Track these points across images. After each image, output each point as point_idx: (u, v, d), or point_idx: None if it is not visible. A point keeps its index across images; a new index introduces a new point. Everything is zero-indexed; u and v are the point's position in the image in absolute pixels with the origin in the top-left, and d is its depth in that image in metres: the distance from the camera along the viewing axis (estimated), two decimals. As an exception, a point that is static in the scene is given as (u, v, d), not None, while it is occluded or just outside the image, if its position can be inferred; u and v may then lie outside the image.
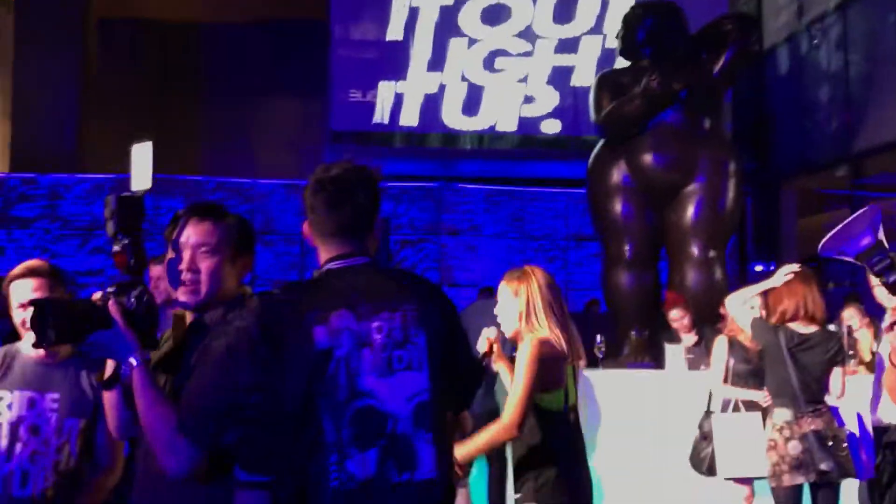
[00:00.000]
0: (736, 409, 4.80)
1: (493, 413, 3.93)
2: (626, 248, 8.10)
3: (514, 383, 2.92)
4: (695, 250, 7.91)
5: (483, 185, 11.96)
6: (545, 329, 2.96)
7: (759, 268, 12.14)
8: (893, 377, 3.49)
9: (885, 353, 4.61)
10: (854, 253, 2.18)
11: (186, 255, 2.12)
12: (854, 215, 2.30)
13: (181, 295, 2.12)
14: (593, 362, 5.92)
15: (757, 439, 4.52)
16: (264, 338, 1.85)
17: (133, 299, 2.06)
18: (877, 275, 2.19)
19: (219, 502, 1.92)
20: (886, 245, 2.20)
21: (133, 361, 1.97)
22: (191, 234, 2.14)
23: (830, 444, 4.17)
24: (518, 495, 2.97)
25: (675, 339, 6.06)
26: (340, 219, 1.97)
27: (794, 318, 4.27)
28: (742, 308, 4.53)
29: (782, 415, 4.23)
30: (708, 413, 4.90)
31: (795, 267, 4.40)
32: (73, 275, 11.10)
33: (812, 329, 4.31)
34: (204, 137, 12.27)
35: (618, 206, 8.17)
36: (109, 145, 12.89)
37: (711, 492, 5.28)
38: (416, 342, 1.93)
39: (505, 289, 3.10)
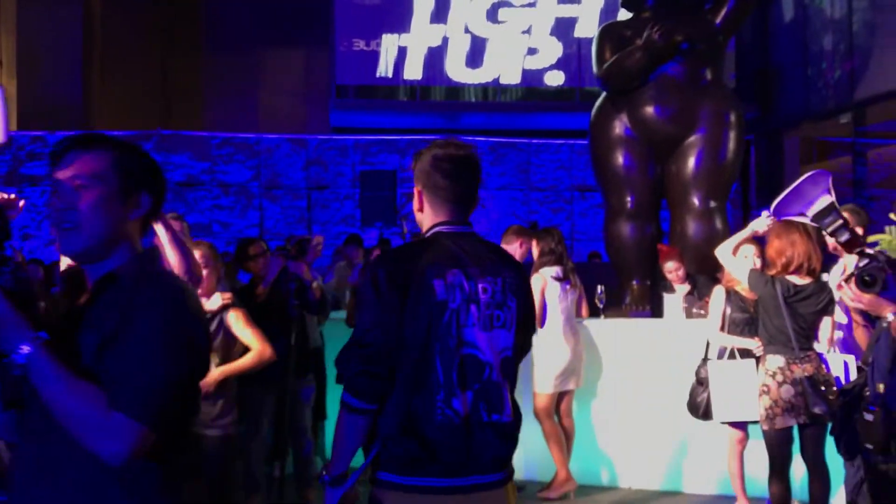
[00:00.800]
0: (731, 356, 4.97)
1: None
2: (628, 199, 8.21)
3: None
4: (696, 201, 8.01)
5: (488, 137, 12.03)
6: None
7: (765, 213, 12.21)
8: (859, 331, 3.78)
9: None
10: (809, 214, 2.32)
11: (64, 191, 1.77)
12: (804, 178, 2.43)
13: (61, 242, 1.78)
14: (595, 312, 6.10)
15: (750, 385, 4.71)
16: (390, 285, 2.15)
17: (9, 275, 1.84)
18: (831, 235, 2.35)
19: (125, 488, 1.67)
20: (837, 206, 2.33)
21: (26, 348, 1.62)
22: (68, 167, 1.76)
23: (823, 388, 4.36)
24: None
25: (669, 289, 6.23)
26: (456, 189, 2.28)
27: (794, 272, 4.43)
28: (734, 258, 4.68)
29: (775, 361, 4.41)
30: (705, 360, 5.08)
31: (770, 213, 4.55)
32: None
33: (807, 281, 4.47)
34: (209, 92, 12.34)
35: (620, 158, 8.27)
36: (116, 101, 12.99)
37: (707, 435, 5.49)
38: (510, 305, 2.25)
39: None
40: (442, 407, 2.13)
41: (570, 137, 11.65)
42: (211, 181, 11.59)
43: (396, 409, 2.14)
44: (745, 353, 4.92)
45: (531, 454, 5.93)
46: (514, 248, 5.84)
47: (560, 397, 5.70)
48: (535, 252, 5.85)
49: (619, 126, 8.28)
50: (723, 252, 4.71)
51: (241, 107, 11.81)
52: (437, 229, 2.27)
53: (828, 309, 4.64)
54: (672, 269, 6.21)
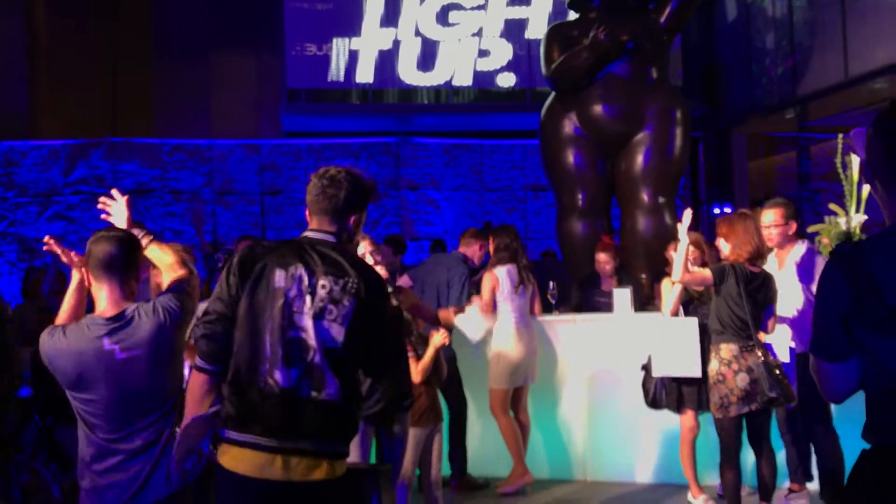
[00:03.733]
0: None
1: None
2: (580, 196, 8.33)
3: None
4: (645, 197, 8.16)
5: (441, 138, 12.08)
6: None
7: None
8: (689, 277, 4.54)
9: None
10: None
11: None
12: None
13: None
14: (547, 308, 6.18)
15: (692, 343, 4.83)
16: (239, 268, 2.57)
17: None
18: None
19: None
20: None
21: None
22: None
23: (777, 372, 4.48)
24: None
25: (595, 282, 6.39)
26: (321, 204, 2.66)
27: (749, 259, 4.54)
28: (691, 274, 4.75)
29: (729, 349, 4.51)
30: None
31: (687, 222, 4.71)
32: (32, 242, 11.10)
33: (758, 270, 4.60)
34: (159, 99, 12.21)
35: (570, 157, 8.38)
36: (64, 109, 12.79)
37: (660, 425, 5.60)
38: (345, 304, 2.55)
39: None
40: (265, 377, 2.47)
41: (523, 138, 11.76)
42: (162, 188, 11.47)
43: (232, 374, 2.50)
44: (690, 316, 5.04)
45: (490, 450, 6.00)
46: (473, 250, 5.92)
47: (515, 393, 5.76)
48: (491, 249, 5.92)
49: (569, 125, 8.39)
50: (681, 277, 4.74)
51: (192, 113, 11.71)
52: (304, 233, 2.68)
53: (774, 297, 4.78)
54: (602, 260, 6.35)
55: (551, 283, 6.19)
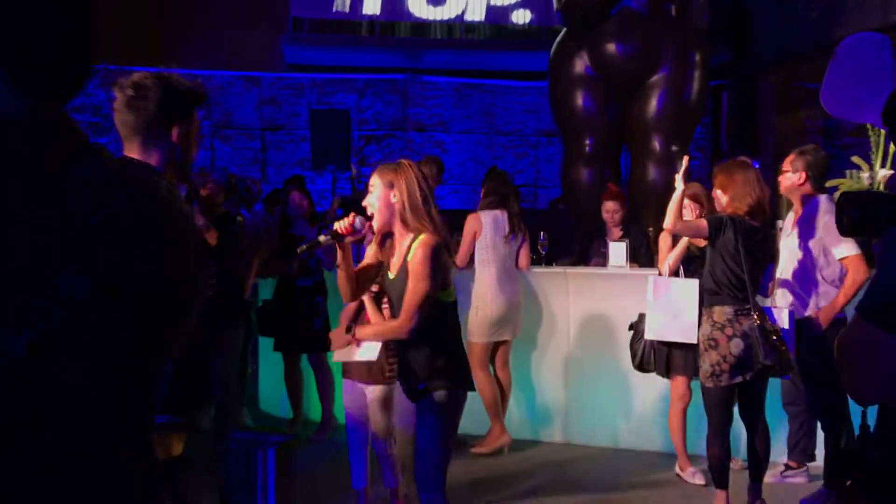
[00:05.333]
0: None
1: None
2: (587, 142, 7.84)
3: (412, 287, 2.93)
4: (656, 145, 7.65)
5: (451, 77, 11.52)
6: (427, 224, 2.98)
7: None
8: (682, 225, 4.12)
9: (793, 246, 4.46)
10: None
11: None
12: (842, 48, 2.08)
13: None
14: (538, 261, 5.73)
15: (690, 307, 4.38)
16: None
17: None
18: None
19: None
20: None
21: None
22: None
23: (775, 338, 4.03)
24: (426, 382, 3.02)
25: (600, 233, 5.89)
26: (129, 120, 2.14)
27: (749, 212, 4.06)
28: (684, 224, 4.35)
29: (723, 312, 4.06)
30: (643, 316, 4.74)
31: (683, 168, 4.28)
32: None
33: (758, 224, 4.11)
34: (158, 26, 11.71)
35: (578, 99, 7.87)
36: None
37: (649, 391, 5.19)
38: None
39: (377, 181, 3.05)
40: None
41: (538, 80, 11.14)
42: (159, 119, 11.07)
43: None
44: (691, 276, 4.61)
45: (468, 407, 5.62)
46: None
47: (495, 348, 5.36)
48: (482, 193, 5.48)
49: (579, 64, 7.85)
50: (672, 226, 4.31)
51: (190, 40, 11.22)
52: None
53: (776, 256, 4.31)
54: (610, 209, 5.85)
55: (542, 234, 5.74)
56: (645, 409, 5.29)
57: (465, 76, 11.54)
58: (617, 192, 6.22)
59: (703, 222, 4.14)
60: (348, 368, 4.16)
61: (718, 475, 4.14)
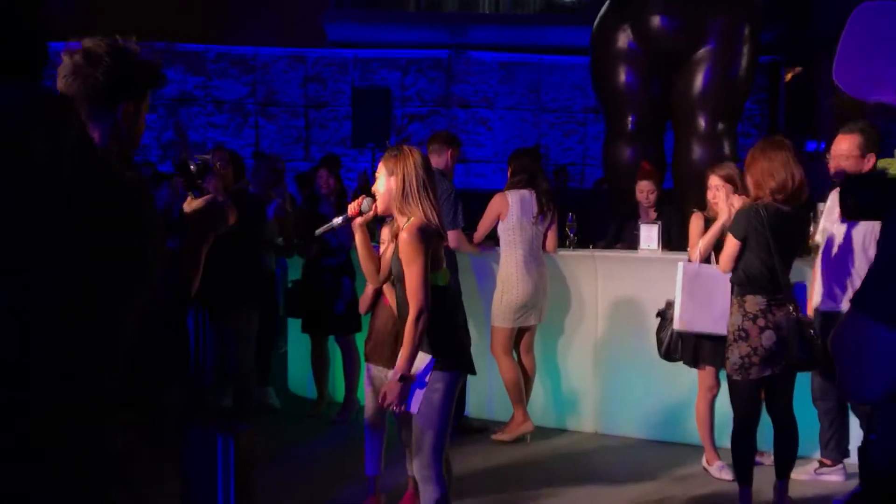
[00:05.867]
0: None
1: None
2: (629, 119, 7.56)
3: (407, 273, 2.99)
4: (701, 123, 7.33)
5: (497, 53, 11.30)
6: (418, 209, 3.02)
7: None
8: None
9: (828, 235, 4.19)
10: None
11: None
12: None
13: None
14: (565, 243, 5.54)
15: (721, 296, 4.14)
16: None
17: None
18: None
19: None
20: None
21: None
22: None
23: (810, 331, 3.81)
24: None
25: (634, 214, 5.63)
26: (73, 89, 1.87)
27: (779, 195, 3.81)
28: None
29: (756, 302, 3.83)
30: (671, 303, 4.53)
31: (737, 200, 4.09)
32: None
33: (789, 209, 3.86)
34: (204, 4, 11.75)
35: (621, 74, 7.58)
36: (108, 12, 12.48)
37: (678, 381, 4.98)
38: None
39: (382, 167, 3.12)
40: None
41: (587, 55, 10.87)
42: (205, 97, 11.11)
43: None
44: None
45: (491, 393, 5.50)
46: (444, 159, 5.29)
47: (520, 333, 5.20)
48: (509, 172, 5.30)
49: (623, 38, 7.56)
50: (693, 255, 4.22)
51: (235, 17, 11.22)
52: None
53: (806, 243, 4.06)
54: (644, 189, 5.59)
55: (570, 215, 5.53)
56: (676, 399, 5.08)
57: (512, 52, 11.32)
58: (651, 172, 5.97)
59: (729, 237, 3.93)
60: (371, 353, 4.08)
61: (742, 472, 3.93)
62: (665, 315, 4.59)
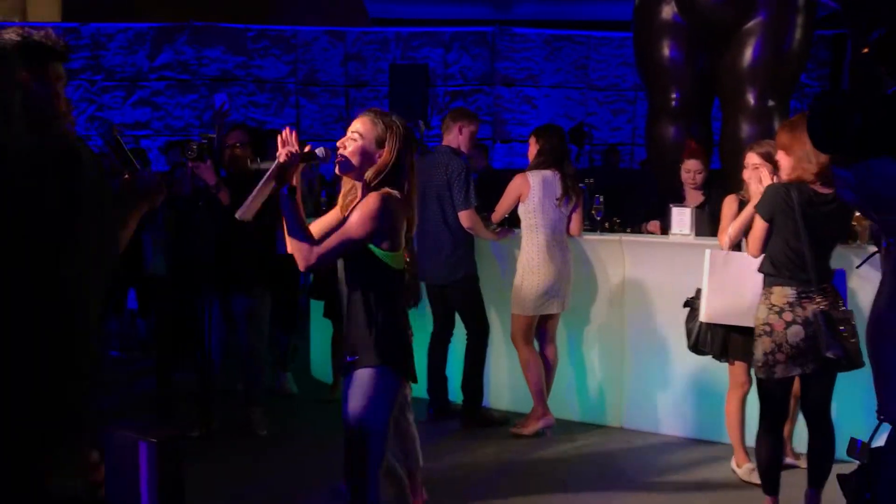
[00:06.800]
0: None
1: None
2: (673, 95, 7.18)
3: (345, 228, 2.63)
4: (750, 99, 6.90)
5: (542, 29, 10.92)
6: (396, 187, 2.70)
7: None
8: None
9: None
10: None
11: None
12: None
13: None
14: (593, 227, 5.24)
15: (752, 286, 3.80)
16: None
17: None
18: None
19: None
20: None
21: None
22: None
23: (842, 328, 3.45)
24: (355, 355, 2.68)
25: (680, 196, 5.24)
26: None
27: (819, 176, 3.46)
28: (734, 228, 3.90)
29: (783, 294, 3.50)
30: (700, 291, 4.20)
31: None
32: (119, 128, 10.99)
33: (830, 191, 3.50)
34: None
35: (665, 49, 7.19)
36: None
37: (709, 375, 4.65)
38: None
39: (369, 123, 2.74)
40: None
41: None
42: (246, 77, 11.02)
43: None
44: None
45: (512, 383, 5.25)
46: (454, 136, 5.02)
47: (542, 322, 4.93)
48: (532, 151, 5.01)
49: (667, 10, 7.16)
50: (725, 241, 3.89)
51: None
52: None
53: (849, 230, 3.68)
54: (691, 168, 5.15)
55: (598, 197, 5.22)
56: (707, 395, 4.75)
57: (558, 27, 10.93)
58: (698, 150, 5.57)
59: (757, 218, 3.58)
60: None
61: (767, 478, 3.61)
62: (693, 305, 4.27)
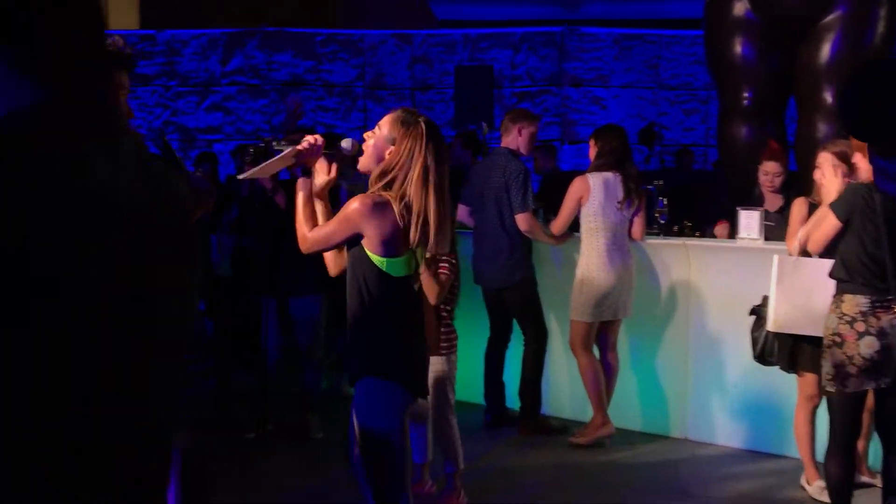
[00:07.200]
0: None
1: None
2: (745, 94, 6.92)
3: (329, 226, 2.63)
4: (827, 98, 6.59)
5: (612, 28, 10.71)
6: (397, 195, 2.56)
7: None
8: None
9: None
10: None
11: None
12: None
13: None
14: (656, 231, 5.07)
15: (824, 293, 3.58)
16: None
17: None
18: None
19: None
20: None
21: None
22: None
23: None
24: (358, 365, 2.58)
25: (758, 199, 5.01)
26: None
27: None
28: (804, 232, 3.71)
29: (856, 303, 3.30)
30: (766, 299, 4.01)
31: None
32: (192, 132, 11.24)
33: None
34: (313, -13, 11.75)
35: (736, 46, 6.94)
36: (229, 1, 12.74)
37: (775, 380, 4.44)
38: None
39: (390, 119, 2.65)
40: None
41: (709, 27, 10.11)
42: (315, 81, 11.13)
43: None
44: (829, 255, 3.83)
45: (573, 391, 5.12)
46: (513, 138, 4.91)
47: (603, 329, 4.80)
48: (592, 153, 4.89)
49: (739, 6, 6.92)
50: (793, 247, 3.71)
51: (341, 1, 11.16)
52: None
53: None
54: (770, 171, 4.90)
55: (662, 200, 5.05)
56: (777, 407, 4.54)
57: (628, 26, 10.70)
58: (779, 152, 5.33)
59: (829, 215, 3.38)
60: None
61: (838, 498, 3.41)
62: (760, 313, 4.07)
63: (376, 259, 2.52)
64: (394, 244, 2.52)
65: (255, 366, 4.69)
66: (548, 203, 5.80)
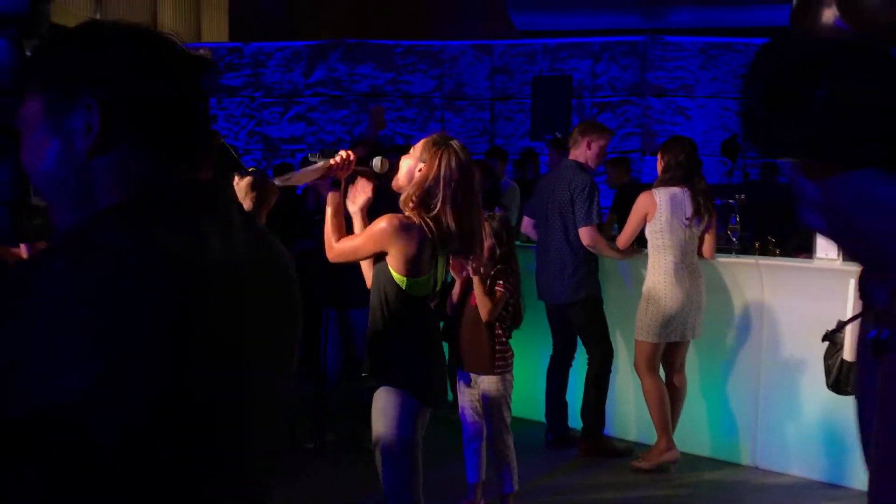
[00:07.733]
0: None
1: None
2: (832, 107, 6.63)
3: (355, 242, 2.78)
4: (922, 109, 6.26)
5: (696, 37, 10.44)
6: (423, 214, 2.68)
7: None
8: None
9: None
10: None
11: None
12: None
13: None
14: (727, 249, 4.89)
15: None
16: None
17: None
18: None
19: None
20: None
21: None
22: None
23: None
24: (372, 375, 2.77)
25: None
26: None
27: None
28: None
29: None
30: (843, 324, 3.79)
31: None
32: (276, 142, 11.49)
33: None
34: (391, 1, 11.85)
35: (823, 55, 6.65)
36: (314, 10, 12.99)
37: (847, 411, 4.20)
38: None
39: (423, 142, 2.81)
40: None
41: (799, 35, 9.75)
42: (394, 92, 11.22)
43: None
44: None
45: (639, 413, 4.97)
46: (581, 151, 4.80)
47: (669, 350, 4.64)
48: (659, 167, 4.76)
49: (827, 14, 6.54)
50: None
51: (421, 12, 11.22)
52: None
53: None
54: None
55: (734, 216, 4.86)
56: (852, 436, 4.29)
57: (713, 34, 10.40)
58: None
59: None
60: (460, 359, 3.90)
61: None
62: (834, 339, 3.85)
63: (397, 277, 2.65)
64: (416, 265, 2.64)
65: (314, 376, 4.72)
66: (622, 216, 5.67)
